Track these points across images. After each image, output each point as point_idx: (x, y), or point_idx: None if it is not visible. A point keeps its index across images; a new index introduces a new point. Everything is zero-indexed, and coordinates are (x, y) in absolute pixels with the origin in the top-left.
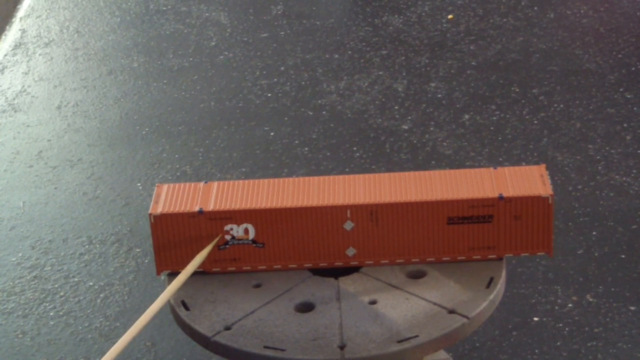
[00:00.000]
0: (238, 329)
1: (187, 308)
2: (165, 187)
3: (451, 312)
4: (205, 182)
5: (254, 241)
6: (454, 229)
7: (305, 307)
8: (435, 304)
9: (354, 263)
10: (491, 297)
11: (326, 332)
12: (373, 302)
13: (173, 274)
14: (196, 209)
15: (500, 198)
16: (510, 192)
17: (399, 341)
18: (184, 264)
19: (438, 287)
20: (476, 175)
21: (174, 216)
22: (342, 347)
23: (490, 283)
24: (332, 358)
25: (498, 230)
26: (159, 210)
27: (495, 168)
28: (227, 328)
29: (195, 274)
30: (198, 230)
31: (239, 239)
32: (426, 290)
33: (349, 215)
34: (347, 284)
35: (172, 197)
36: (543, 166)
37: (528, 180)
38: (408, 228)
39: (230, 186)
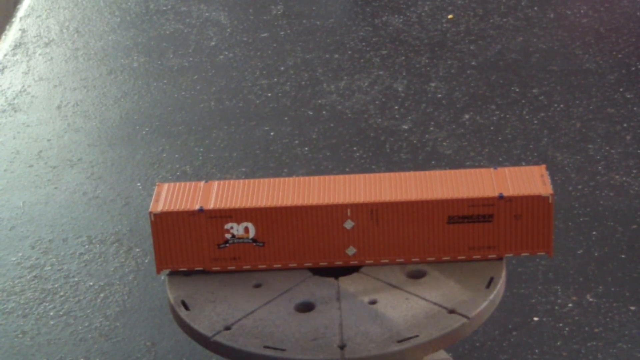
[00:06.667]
0: (238, 328)
1: (187, 308)
2: (165, 186)
3: (451, 312)
4: (206, 182)
5: (254, 240)
6: (454, 228)
7: (305, 307)
8: (435, 304)
9: (354, 262)
10: (491, 297)
11: (326, 332)
12: (373, 302)
13: (173, 273)
14: (196, 207)
15: (501, 197)
16: (510, 191)
17: (399, 341)
18: (183, 263)
19: (438, 287)
20: (476, 175)
21: (174, 214)
22: (342, 347)
23: (490, 283)
24: (332, 358)
25: (498, 230)
26: (160, 208)
27: (495, 168)
28: (227, 328)
29: (195, 273)
30: (198, 228)
31: (239, 238)
32: (426, 290)
33: (349, 214)
34: (347, 283)
35: (173, 196)
36: (543, 166)
37: (528, 180)
38: (408, 227)
39: (231, 185)
